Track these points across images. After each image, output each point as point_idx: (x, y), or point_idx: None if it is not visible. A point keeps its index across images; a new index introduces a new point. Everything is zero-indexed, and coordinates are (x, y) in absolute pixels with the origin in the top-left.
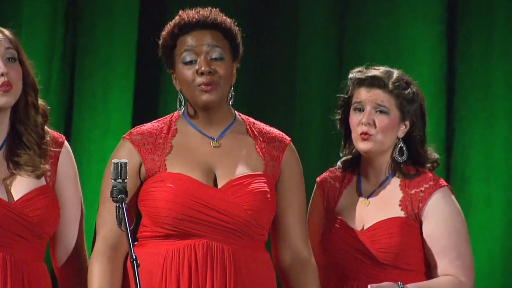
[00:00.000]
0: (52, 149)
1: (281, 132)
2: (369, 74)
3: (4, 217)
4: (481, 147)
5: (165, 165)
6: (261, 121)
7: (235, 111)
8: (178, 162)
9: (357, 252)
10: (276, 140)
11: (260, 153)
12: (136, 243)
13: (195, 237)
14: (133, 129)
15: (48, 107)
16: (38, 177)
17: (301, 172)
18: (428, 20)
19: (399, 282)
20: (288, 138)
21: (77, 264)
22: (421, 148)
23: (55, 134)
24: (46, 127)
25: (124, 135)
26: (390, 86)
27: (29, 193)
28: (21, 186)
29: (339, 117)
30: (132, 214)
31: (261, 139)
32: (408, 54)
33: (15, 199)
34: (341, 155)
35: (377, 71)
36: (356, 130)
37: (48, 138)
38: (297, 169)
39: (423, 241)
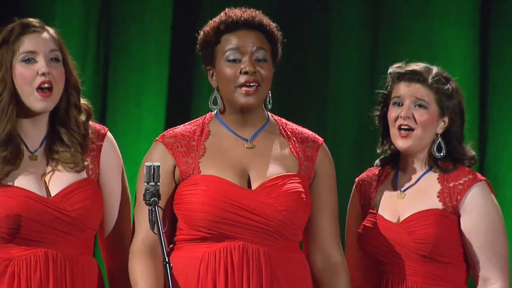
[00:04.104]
0: (94, 142)
1: (313, 133)
2: (409, 69)
3: (42, 213)
4: None
5: (199, 167)
6: (294, 122)
7: (268, 112)
8: (211, 164)
9: (393, 244)
10: (309, 140)
11: (294, 153)
12: (172, 245)
13: (231, 239)
14: (165, 131)
15: (91, 106)
16: (78, 172)
17: (334, 173)
18: (461, 24)
19: None
20: (321, 139)
21: (123, 256)
22: (459, 145)
23: (97, 126)
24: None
25: (157, 138)
26: (430, 80)
27: (68, 187)
28: (60, 181)
29: (378, 113)
30: (165, 217)
31: (294, 139)
32: (441, 58)
33: (53, 195)
34: (378, 151)
35: (417, 66)
36: (395, 124)
37: (90, 132)
38: (331, 171)
39: (461, 234)
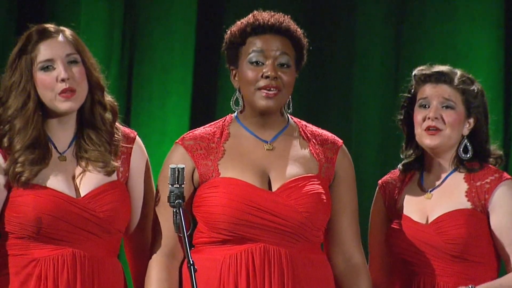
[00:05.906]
0: (124, 145)
1: (332, 134)
2: (435, 70)
3: (71, 213)
4: None
5: (218, 170)
6: (318, 125)
7: (288, 115)
8: (231, 166)
9: (424, 245)
10: (328, 142)
11: (315, 154)
12: (192, 249)
13: (252, 242)
14: (185, 134)
15: (116, 103)
16: (108, 174)
17: (354, 174)
18: (486, 25)
19: (470, 286)
20: (340, 140)
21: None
22: (486, 145)
23: (126, 130)
24: (117, 123)
25: (177, 140)
26: (456, 81)
27: (97, 188)
28: (89, 182)
29: (401, 117)
30: (189, 219)
31: (314, 141)
32: (465, 59)
33: (83, 195)
34: (401, 156)
35: (443, 67)
36: (422, 126)
37: (119, 134)
38: (351, 172)
39: (492, 233)
